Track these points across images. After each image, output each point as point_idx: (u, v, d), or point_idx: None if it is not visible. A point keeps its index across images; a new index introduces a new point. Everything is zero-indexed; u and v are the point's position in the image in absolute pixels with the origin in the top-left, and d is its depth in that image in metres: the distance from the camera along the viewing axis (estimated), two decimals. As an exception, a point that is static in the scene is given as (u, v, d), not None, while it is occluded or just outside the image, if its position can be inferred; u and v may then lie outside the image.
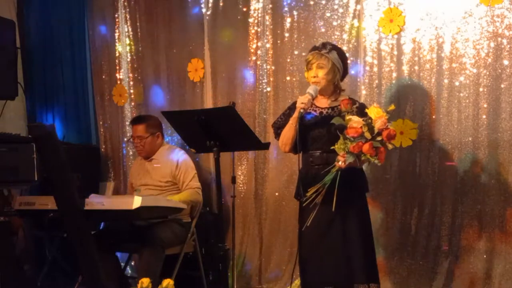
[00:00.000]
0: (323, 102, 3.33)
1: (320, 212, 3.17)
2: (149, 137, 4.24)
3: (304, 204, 3.17)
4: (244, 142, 3.33)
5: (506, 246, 3.62)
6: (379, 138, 3.02)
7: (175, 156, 4.22)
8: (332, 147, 3.11)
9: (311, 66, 3.28)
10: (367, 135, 3.02)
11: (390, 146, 3.06)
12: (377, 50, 3.98)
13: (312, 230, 3.22)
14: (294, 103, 3.32)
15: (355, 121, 3.05)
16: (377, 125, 3.02)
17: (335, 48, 3.31)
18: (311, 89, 3.22)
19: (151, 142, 4.25)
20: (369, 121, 3.05)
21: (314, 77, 3.26)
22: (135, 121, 4.36)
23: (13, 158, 3.71)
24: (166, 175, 4.18)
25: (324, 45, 3.29)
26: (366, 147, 3.00)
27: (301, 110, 3.17)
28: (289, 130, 3.26)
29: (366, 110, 3.11)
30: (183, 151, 4.30)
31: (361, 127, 3.02)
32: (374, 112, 3.05)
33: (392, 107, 3.13)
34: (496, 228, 3.64)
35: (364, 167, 3.44)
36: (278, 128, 3.41)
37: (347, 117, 3.09)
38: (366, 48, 4.01)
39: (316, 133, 3.25)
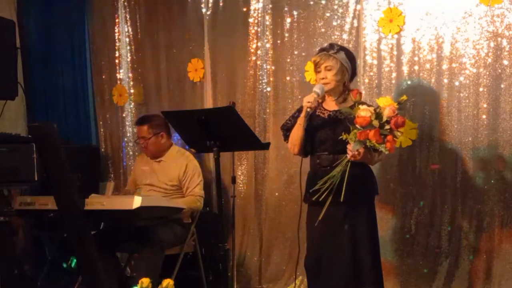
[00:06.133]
0: (331, 105, 3.31)
1: (329, 214, 3.14)
2: (152, 137, 4.22)
3: (314, 198, 3.13)
4: (244, 142, 3.33)
5: (506, 246, 3.62)
6: (387, 127, 2.97)
7: (184, 161, 4.19)
8: (342, 137, 3.05)
9: (319, 68, 3.26)
10: (375, 123, 2.97)
11: (398, 134, 2.99)
12: (377, 50, 3.98)
13: (321, 231, 3.21)
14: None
15: (363, 110, 3.00)
16: (386, 112, 2.97)
17: (342, 48, 3.29)
18: (317, 88, 3.19)
19: (154, 143, 4.23)
20: (378, 109, 3.01)
21: (323, 79, 3.24)
22: (139, 121, 4.35)
23: (13, 158, 3.71)
24: (173, 178, 4.16)
25: (331, 45, 3.27)
26: (372, 133, 2.95)
27: (308, 109, 3.15)
28: (298, 131, 3.24)
29: (376, 100, 3.08)
30: (193, 156, 4.27)
31: (369, 116, 2.97)
32: (384, 101, 3.01)
33: (404, 97, 3.07)
34: (496, 228, 3.65)
35: (374, 168, 3.42)
36: (287, 130, 3.37)
37: (357, 107, 3.04)
38: (366, 48, 4.01)
39: (323, 134, 3.22)
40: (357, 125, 3.00)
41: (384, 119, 2.98)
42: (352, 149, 3.03)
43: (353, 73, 3.34)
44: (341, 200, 3.05)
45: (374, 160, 3.20)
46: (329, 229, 3.20)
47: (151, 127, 4.23)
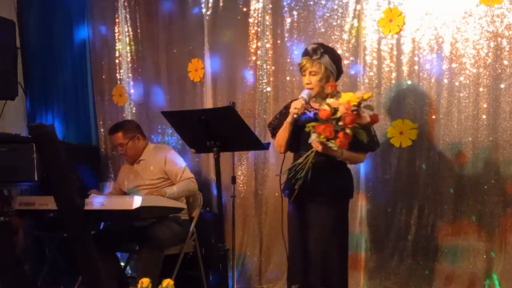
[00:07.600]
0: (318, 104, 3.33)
1: (302, 213, 3.24)
2: (129, 142, 4.27)
3: (286, 190, 3.22)
4: (244, 142, 3.33)
5: (506, 246, 3.62)
6: (340, 123, 2.98)
7: (162, 153, 4.27)
8: (306, 129, 3.11)
9: (304, 73, 3.27)
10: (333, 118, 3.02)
11: (348, 131, 2.97)
12: (376, 50, 3.98)
13: (295, 232, 3.31)
14: (291, 102, 3.32)
15: (327, 103, 3.02)
16: (340, 109, 2.98)
17: (326, 51, 3.25)
18: (304, 94, 3.22)
19: (132, 146, 4.29)
20: (337, 105, 3.02)
21: (308, 84, 3.25)
22: (112, 130, 4.38)
23: (13, 158, 3.72)
24: (157, 172, 4.22)
25: (314, 50, 3.23)
26: (322, 128, 2.98)
27: (294, 116, 3.18)
28: (284, 133, 3.27)
29: (342, 93, 3.08)
30: (169, 146, 4.38)
31: (329, 110, 2.99)
32: (347, 97, 3.01)
33: (368, 94, 3.05)
34: (496, 228, 3.65)
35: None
36: (273, 129, 3.43)
37: (323, 100, 3.08)
38: (365, 48, 4.01)
39: (308, 133, 3.24)
40: (320, 118, 3.03)
41: (338, 115, 2.98)
42: (310, 140, 3.06)
43: (339, 73, 3.34)
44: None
45: (343, 155, 3.15)
46: (301, 230, 3.26)
47: (125, 132, 4.29)
